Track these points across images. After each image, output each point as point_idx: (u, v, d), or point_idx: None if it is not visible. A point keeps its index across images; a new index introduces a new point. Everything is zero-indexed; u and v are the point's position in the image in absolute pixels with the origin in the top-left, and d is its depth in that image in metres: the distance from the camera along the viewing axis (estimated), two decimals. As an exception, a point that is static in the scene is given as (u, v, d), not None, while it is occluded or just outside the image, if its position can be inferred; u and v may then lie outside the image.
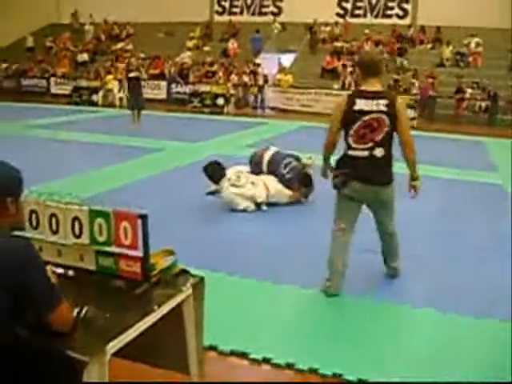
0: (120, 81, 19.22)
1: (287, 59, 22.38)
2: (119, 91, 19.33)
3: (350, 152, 3.99)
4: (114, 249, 2.32)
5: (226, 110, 18.40)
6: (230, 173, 6.37)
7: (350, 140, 3.95)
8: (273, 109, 19.51)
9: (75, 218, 2.34)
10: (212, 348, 3.27)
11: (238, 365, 3.25)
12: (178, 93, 20.61)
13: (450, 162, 9.94)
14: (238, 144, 11.36)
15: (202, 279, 2.49)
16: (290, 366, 3.22)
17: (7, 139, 10.61)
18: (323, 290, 4.13)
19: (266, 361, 3.25)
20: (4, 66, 23.76)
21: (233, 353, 3.30)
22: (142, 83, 14.59)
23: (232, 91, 19.02)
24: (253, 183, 6.31)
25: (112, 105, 19.21)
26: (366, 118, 3.86)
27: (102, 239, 2.32)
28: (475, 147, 12.60)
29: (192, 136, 12.13)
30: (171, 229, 5.18)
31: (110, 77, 20.10)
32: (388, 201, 4.12)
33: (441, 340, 3.58)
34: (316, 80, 20.33)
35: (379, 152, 3.92)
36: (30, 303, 1.87)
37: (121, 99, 19.16)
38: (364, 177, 3.94)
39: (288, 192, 6.52)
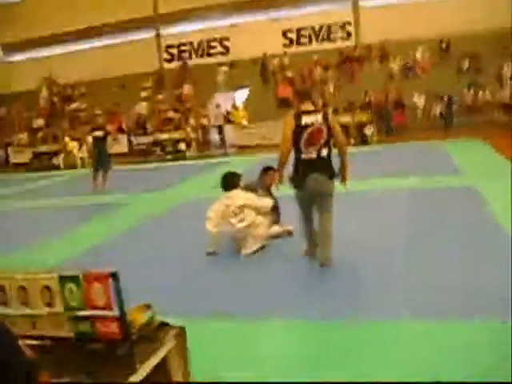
0: (79, 140, 19.15)
1: (242, 95, 22.66)
2: (79, 151, 19.25)
3: (303, 156, 5.13)
4: (88, 312, 2.26)
5: (188, 154, 18.47)
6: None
7: (302, 147, 5.10)
8: (234, 146, 19.62)
9: (45, 287, 2.28)
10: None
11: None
12: (139, 144, 20.61)
13: (414, 171, 10.13)
14: (205, 186, 11.38)
15: (182, 329, 2.44)
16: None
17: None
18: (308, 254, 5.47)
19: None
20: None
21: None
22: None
23: (192, 135, 19.13)
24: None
25: (73, 166, 19.09)
26: (310, 129, 5.06)
27: (75, 304, 2.26)
28: (436, 152, 12.87)
29: (158, 185, 12.11)
30: (148, 281, 5.13)
31: (67, 139, 20.02)
32: (331, 193, 5.19)
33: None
34: (273, 111, 20.59)
35: (324, 152, 5.12)
36: (9, 380, 1.81)
37: (82, 159, 19.07)
38: (317, 170, 5.09)
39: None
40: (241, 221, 6.00)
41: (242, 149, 19.03)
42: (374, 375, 3.25)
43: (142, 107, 22.72)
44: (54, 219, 9.70)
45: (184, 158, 17.98)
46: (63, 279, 2.26)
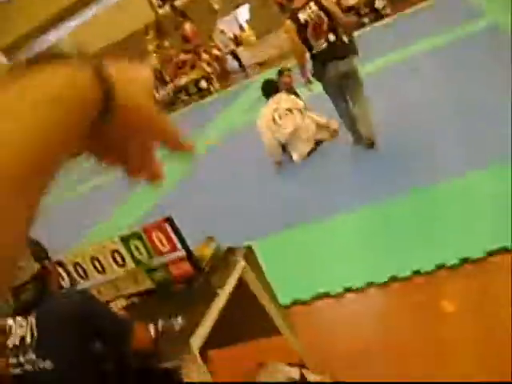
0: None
1: (244, 13, 22.02)
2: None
3: (315, 50, 5.15)
4: (159, 260, 2.41)
5: (212, 89, 18.34)
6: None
7: (311, 43, 5.11)
8: (252, 66, 19.29)
9: (114, 251, 2.44)
10: (292, 303, 3.37)
11: (323, 306, 3.34)
12: (163, 96, 20.59)
13: (436, 30, 9.68)
14: (241, 112, 11.37)
15: (249, 248, 2.56)
16: (370, 284, 3.29)
17: None
18: (356, 144, 5.49)
19: (348, 290, 3.34)
20: None
21: (313, 298, 3.40)
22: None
23: (209, 69, 18.91)
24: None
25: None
26: (311, 23, 5.07)
27: (144, 257, 2.41)
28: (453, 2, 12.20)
29: (196, 127, 12.18)
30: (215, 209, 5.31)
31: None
32: (354, 71, 5.19)
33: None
34: (278, 18, 19.94)
35: (332, 37, 5.09)
36: (108, 342, 2.00)
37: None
38: (334, 56, 5.08)
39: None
40: (291, 122, 5.98)
41: (261, 65, 18.71)
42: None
43: (153, 60, 22.51)
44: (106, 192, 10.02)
45: (210, 94, 17.89)
46: (125, 239, 2.40)
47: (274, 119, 6.02)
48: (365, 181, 4.77)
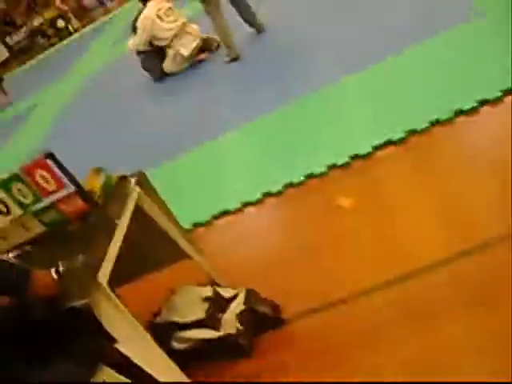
0: None
1: None
2: None
3: None
4: (47, 200, 2.23)
5: (71, 28, 17.14)
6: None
7: None
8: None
9: (-7, 199, 2.22)
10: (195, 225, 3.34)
11: (224, 224, 3.33)
12: (17, 43, 18.95)
13: None
14: (109, 46, 10.82)
15: (141, 173, 2.45)
16: (267, 195, 3.33)
17: None
18: (229, 60, 5.66)
19: (246, 204, 3.35)
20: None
21: (214, 217, 3.39)
22: None
23: (64, 7, 17.61)
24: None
25: None
26: None
27: (30, 200, 2.22)
28: None
29: (57, 73, 11.41)
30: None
31: None
32: None
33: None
34: None
35: None
36: (5, 290, 1.85)
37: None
38: None
39: None
40: (175, 20, 6.15)
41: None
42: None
43: (-2, 3, 20.48)
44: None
45: (70, 34, 16.72)
46: (5, 183, 2.19)
47: (159, 17, 6.10)
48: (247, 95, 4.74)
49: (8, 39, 19.02)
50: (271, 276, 2.73)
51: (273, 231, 3.16)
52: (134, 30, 6.39)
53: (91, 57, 11.14)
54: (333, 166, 3.22)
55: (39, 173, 2.15)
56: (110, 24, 13.88)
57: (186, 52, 6.17)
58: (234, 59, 5.70)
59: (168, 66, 6.28)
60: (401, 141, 3.10)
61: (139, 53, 6.44)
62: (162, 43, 6.20)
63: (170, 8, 6.23)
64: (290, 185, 3.30)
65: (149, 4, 6.22)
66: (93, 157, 4.79)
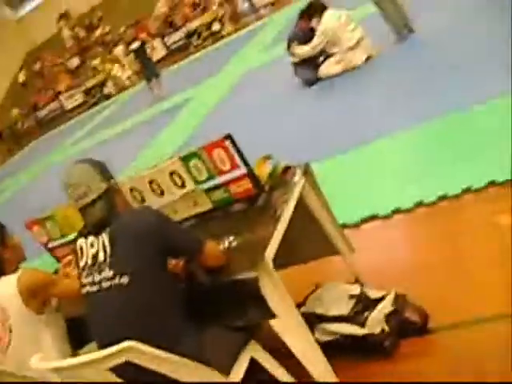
0: (118, 62, 19.14)
1: None
2: (123, 72, 19.29)
3: None
4: (219, 179, 2.38)
5: (224, 32, 17.95)
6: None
7: None
8: (265, 6, 18.76)
9: (172, 173, 2.41)
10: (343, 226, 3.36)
11: (371, 228, 3.33)
12: (174, 42, 20.26)
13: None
14: (261, 51, 11.22)
15: (307, 165, 2.52)
16: (419, 204, 3.27)
17: (58, 167, 10.94)
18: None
19: (396, 211, 3.31)
20: (14, 111, 23.92)
21: (362, 220, 3.39)
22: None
23: (221, 12, 18.48)
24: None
25: (125, 88, 19.23)
26: None
27: (204, 177, 2.39)
28: None
29: (211, 70, 12.00)
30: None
31: (108, 65, 20.01)
32: None
33: None
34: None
35: None
36: (180, 254, 2.01)
37: (129, 78, 19.15)
38: None
39: None
40: (356, 29, 6.27)
41: (273, 5, 18.20)
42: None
43: (162, 5, 22.02)
44: (132, 139, 9.99)
45: (222, 37, 17.54)
46: (185, 159, 2.37)
47: (341, 25, 6.19)
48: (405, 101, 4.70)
49: (166, 39, 20.37)
50: (417, 283, 2.68)
51: (421, 241, 3.10)
52: (292, 41, 6.56)
53: (242, 59, 11.62)
54: (492, 183, 3.09)
55: (217, 152, 2.30)
56: (261, 30, 14.35)
57: (360, 60, 6.23)
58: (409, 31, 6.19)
59: (325, 70, 6.36)
60: None
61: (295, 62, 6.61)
62: (334, 50, 6.28)
63: (348, 15, 6.32)
64: (444, 197, 3.22)
65: (328, 13, 6.28)
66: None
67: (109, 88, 19.90)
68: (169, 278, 1.98)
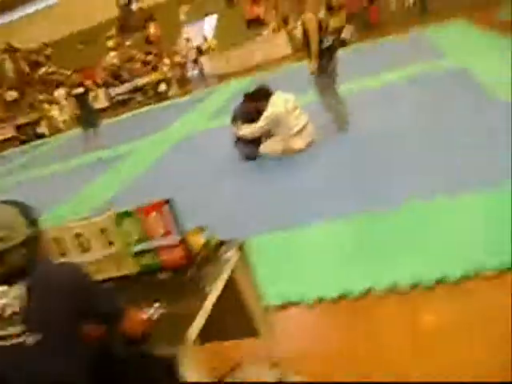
0: (57, 103, 18.83)
1: (210, 23, 22.03)
2: (60, 114, 18.95)
3: (323, 46, 6.30)
4: (150, 244, 2.28)
5: (170, 93, 18.15)
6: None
7: (322, 38, 6.29)
8: (213, 76, 19.24)
9: (102, 229, 2.30)
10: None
11: (292, 313, 3.28)
12: (118, 95, 20.23)
13: (401, 63, 9.99)
14: (200, 120, 11.33)
15: (242, 243, 2.47)
16: (343, 297, 3.27)
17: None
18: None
19: (322, 299, 3.29)
20: None
21: (285, 305, 3.34)
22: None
23: (170, 74, 18.74)
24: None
25: (59, 131, 18.83)
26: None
27: (134, 239, 2.29)
28: (418, 40, 12.63)
29: (151, 129, 11.98)
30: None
31: (46, 105, 19.60)
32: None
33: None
34: (244, 33, 20.10)
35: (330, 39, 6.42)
36: (99, 318, 1.87)
37: (65, 122, 18.81)
38: (332, 53, 6.41)
39: None
40: (301, 115, 6.40)
41: (222, 77, 18.71)
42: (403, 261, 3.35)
43: (112, 57, 22.12)
44: (61, 183, 9.62)
45: (167, 99, 17.69)
46: (119, 217, 2.26)
47: (288, 111, 6.27)
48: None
49: (111, 90, 20.33)
50: (336, 372, 2.63)
51: (342, 331, 3.07)
52: (237, 119, 6.62)
53: (186, 122, 11.68)
54: (417, 284, 3.15)
55: (154, 215, 2.22)
56: (208, 97, 14.60)
57: (302, 145, 6.30)
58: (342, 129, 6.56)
59: (266, 149, 6.45)
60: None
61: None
62: (277, 132, 6.34)
63: (295, 101, 6.39)
64: (368, 291, 3.24)
65: (273, 98, 6.32)
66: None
67: (42, 128, 19.39)
68: (82, 343, 1.83)
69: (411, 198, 4.21)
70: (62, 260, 2.34)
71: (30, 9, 25.78)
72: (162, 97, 17.97)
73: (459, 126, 5.62)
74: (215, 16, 22.20)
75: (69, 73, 20.95)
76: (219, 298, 2.24)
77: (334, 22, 16.24)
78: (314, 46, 6.29)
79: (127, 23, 24.16)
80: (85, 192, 8.02)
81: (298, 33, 16.47)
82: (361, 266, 3.52)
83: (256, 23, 20.31)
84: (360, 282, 3.31)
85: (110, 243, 2.32)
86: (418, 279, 3.17)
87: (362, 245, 3.86)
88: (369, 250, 3.73)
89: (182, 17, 22.58)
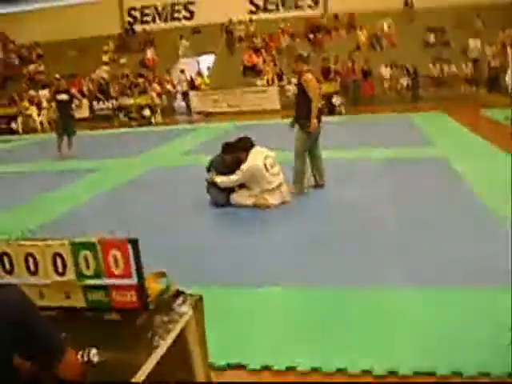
0: (38, 104, 18.53)
1: (207, 61, 22.24)
2: (38, 115, 18.62)
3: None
4: (104, 280, 2.13)
5: (153, 120, 18.05)
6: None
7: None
8: (199, 113, 19.29)
9: (56, 254, 2.14)
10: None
11: (240, 377, 3.12)
12: (101, 109, 20.05)
13: (386, 142, 10.16)
14: (175, 153, 11.24)
15: (200, 298, 2.34)
16: (291, 369, 3.13)
17: None
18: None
19: (267, 368, 3.15)
20: None
21: (230, 366, 3.18)
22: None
23: (157, 101, 18.70)
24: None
25: (33, 130, 18.48)
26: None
27: (89, 272, 2.13)
28: (405, 124, 12.95)
29: (125, 151, 11.81)
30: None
31: (26, 102, 19.25)
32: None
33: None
34: (239, 79, 20.31)
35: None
36: (34, 354, 1.69)
37: (42, 124, 18.48)
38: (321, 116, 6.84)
39: None
40: (278, 173, 6.38)
41: (208, 116, 18.75)
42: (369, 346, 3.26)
43: (103, 71, 22.03)
44: (21, 186, 9.29)
45: (149, 124, 17.59)
46: (76, 246, 2.11)
47: (265, 167, 6.24)
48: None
49: (94, 103, 20.14)
50: None
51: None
52: (214, 168, 6.53)
53: (161, 152, 11.56)
54: (368, 372, 3.04)
55: (114, 252, 2.08)
56: (189, 133, 14.55)
57: (275, 202, 6.27)
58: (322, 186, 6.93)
59: (237, 199, 6.35)
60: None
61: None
62: (252, 185, 6.28)
63: (274, 158, 6.40)
64: (315, 369, 3.12)
65: (253, 151, 6.30)
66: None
67: (17, 124, 18.98)
68: (17, 375, 1.65)
69: (374, 280, 4.15)
70: (6, 279, 2.17)
71: (37, 4, 25.61)
72: (143, 122, 17.85)
73: (428, 208, 5.70)
74: (213, 56, 22.44)
75: (58, 76, 20.73)
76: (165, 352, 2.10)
77: (326, 87, 16.62)
78: (315, 105, 6.44)
79: (126, 42, 24.22)
80: (42, 200, 7.75)
81: (291, 90, 16.83)
82: (311, 343, 3.40)
83: (252, 72, 20.56)
84: (309, 358, 3.19)
85: (62, 271, 2.16)
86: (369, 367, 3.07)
87: (316, 319, 3.74)
88: (323, 326, 3.61)
89: (182, 49, 22.76)
